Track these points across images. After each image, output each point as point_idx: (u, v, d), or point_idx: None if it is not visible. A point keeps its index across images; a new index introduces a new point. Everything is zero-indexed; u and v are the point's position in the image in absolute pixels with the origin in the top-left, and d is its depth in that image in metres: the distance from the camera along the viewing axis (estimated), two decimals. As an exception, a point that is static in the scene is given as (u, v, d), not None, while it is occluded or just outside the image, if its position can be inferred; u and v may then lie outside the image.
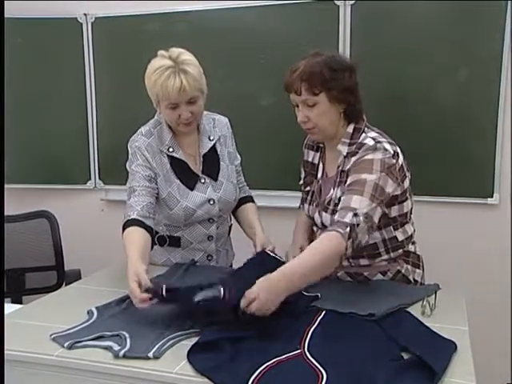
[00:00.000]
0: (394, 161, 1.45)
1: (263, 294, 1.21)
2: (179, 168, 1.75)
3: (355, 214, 1.34)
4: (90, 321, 1.33)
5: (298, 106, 1.52)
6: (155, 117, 1.79)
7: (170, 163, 1.75)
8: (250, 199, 1.93)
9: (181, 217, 1.74)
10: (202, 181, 1.77)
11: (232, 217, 1.94)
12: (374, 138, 1.48)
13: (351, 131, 1.52)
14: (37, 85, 2.96)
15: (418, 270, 1.65)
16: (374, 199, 1.38)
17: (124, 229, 1.61)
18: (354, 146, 1.50)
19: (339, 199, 1.46)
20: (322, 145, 1.65)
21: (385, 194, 1.42)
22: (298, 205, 1.81)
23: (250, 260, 1.59)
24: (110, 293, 1.53)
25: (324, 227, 1.56)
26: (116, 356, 1.15)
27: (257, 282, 1.24)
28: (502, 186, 2.46)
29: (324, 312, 1.36)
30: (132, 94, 2.77)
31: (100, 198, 3.08)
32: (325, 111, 1.48)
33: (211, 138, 1.81)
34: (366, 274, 1.62)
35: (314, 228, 1.71)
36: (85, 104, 2.96)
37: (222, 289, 1.26)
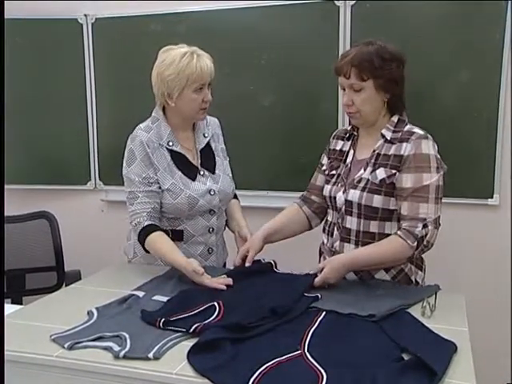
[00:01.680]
0: (438, 155, 1.55)
1: (328, 270, 1.50)
2: (179, 161, 1.80)
3: (425, 226, 1.48)
4: (90, 321, 1.33)
5: (344, 90, 1.58)
6: (153, 114, 1.82)
7: (171, 156, 1.79)
8: (234, 196, 2.01)
9: (184, 206, 1.76)
10: (202, 173, 1.82)
11: None
12: (421, 129, 1.59)
13: (396, 120, 1.61)
14: (37, 85, 2.96)
15: (420, 272, 1.66)
16: (438, 200, 1.52)
17: (140, 236, 1.70)
18: (400, 134, 1.58)
19: (382, 181, 1.56)
20: (355, 133, 1.71)
21: (443, 189, 1.54)
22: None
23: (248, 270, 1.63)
24: (110, 293, 1.53)
25: (347, 204, 1.61)
26: (116, 357, 1.15)
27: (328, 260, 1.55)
28: (503, 186, 2.46)
29: (324, 313, 1.36)
30: (132, 95, 2.77)
31: (100, 198, 3.08)
32: (370, 97, 1.55)
33: (206, 135, 1.88)
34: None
35: (329, 211, 1.73)
36: (85, 105, 2.96)
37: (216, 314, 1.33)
